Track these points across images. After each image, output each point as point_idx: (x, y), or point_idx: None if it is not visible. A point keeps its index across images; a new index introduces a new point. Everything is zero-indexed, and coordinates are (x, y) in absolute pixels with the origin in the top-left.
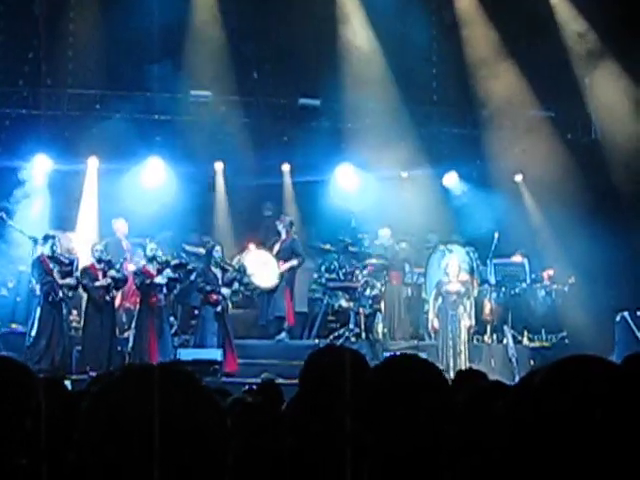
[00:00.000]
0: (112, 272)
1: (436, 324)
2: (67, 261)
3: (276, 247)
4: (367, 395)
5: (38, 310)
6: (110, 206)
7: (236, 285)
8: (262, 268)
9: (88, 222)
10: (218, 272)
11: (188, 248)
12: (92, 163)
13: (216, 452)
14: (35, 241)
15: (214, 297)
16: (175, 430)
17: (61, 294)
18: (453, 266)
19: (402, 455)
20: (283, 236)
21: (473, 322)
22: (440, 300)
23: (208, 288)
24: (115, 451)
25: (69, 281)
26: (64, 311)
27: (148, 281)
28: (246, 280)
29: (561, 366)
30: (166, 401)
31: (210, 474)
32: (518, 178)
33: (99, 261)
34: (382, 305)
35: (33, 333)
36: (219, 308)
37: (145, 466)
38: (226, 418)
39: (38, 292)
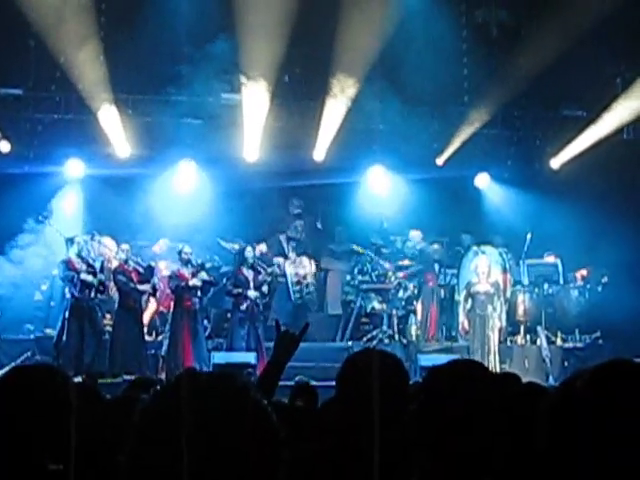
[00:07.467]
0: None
1: (466, 325)
2: (92, 262)
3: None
4: (420, 399)
5: (67, 312)
6: (143, 210)
7: (265, 288)
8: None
9: (120, 226)
10: (250, 274)
11: (223, 243)
12: (124, 166)
13: (268, 464)
14: (71, 242)
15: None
16: (228, 439)
17: (88, 293)
18: (482, 267)
19: (454, 459)
20: (298, 237)
21: (504, 323)
22: (470, 301)
23: (236, 291)
24: (168, 459)
25: (89, 278)
26: (99, 314)
27: (182, 284)
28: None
29: (605, 370)
30: (219, 410)
31: None
32: (550, 178)
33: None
34: (416, 306)
35: (63, 335)
36: (244, 308)
37: (198, 475)
38: (278, 430)
39: (68, 295)
